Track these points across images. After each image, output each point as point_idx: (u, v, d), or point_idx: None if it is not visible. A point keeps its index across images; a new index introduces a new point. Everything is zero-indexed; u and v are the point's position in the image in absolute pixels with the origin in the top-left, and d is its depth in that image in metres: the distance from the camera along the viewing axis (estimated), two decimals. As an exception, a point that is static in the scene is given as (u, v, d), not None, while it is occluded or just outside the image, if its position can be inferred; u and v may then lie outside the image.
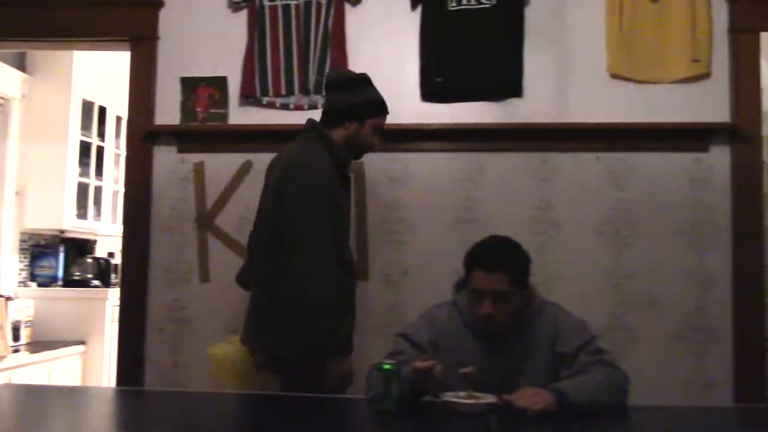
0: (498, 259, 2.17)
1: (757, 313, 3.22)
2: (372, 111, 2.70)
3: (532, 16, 3.36)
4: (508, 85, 3.33)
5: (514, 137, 3.33)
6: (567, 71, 3.35)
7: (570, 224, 3.30)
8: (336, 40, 3.40)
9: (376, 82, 3.36)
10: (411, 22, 3.40)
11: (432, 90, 3.35)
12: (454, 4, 3.34)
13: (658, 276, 3.25)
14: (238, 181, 3.44)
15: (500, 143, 3.33)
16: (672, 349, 3.23)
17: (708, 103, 3.29)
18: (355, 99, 2.68)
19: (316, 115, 3.39)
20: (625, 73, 3.32)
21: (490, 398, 1.96)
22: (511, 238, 2.29)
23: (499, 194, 3.33)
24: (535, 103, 3.33)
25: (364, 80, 2.76)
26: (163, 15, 3.52)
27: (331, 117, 2.70)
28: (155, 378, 3.38)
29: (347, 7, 3.43)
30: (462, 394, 1.99)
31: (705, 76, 3.30)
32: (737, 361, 3.20)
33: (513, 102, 3.34)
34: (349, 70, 2.81)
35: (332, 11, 3.41)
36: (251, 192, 3.41)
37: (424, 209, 3.36)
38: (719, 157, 3.28)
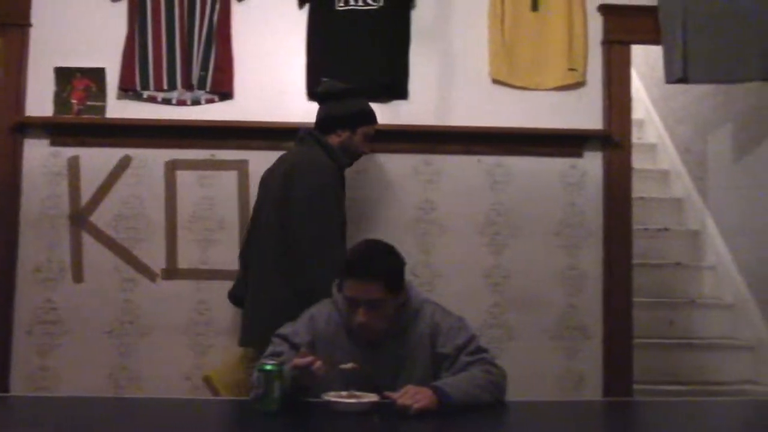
0: (371, 267, 2.14)
1: (625, 310, 3.39)
2: (363, 120, 2.87)
3: (418, 19, 3.41)
4: (394, 87, 3.36)
5: (399, 138, 3.37)
6: (451, 75, 3.42)
7: (453, 225, 3.37)
8: (221, 35, 3.33)
9: (262, 80, 3.32)
10: (298, 20, 3.37)
11: (318, 89, 3.34)
12: (341, 4, 3.34)
13: (534, 276, 3.37)
14: (116, 176, 3.31)
15: (385, 144, 3.35)
16: (546, 346, 3.35)
17: (583, 110, 3.44)
18: (348, 109, 2.86)
19: (198, 111, 3.35)
20: (506, 79, 3.42)
21: (372, 397, 1.97)
22: (384, 243, 2.26)
23: (383, 194, 3.36)
24: (420, 106, 3.38)
25: (355, 91, 2.93)
26: (37, 0, 3.34)
27: (324, 125, 2.86)
28: (22, 383, 3.21)
29: (233, 2, 3.36)
30: (344, 393, 1.99)
31: (580, 84, 3.45)
32: (606, 356, 3.36)
33: (398, 104, 3.38)
34: (341, 82, 2.96)
35: (218, 6, 3.34)
36: (129, 188, 3.31)
37: (309, 208, 3.34)
38: (592, 163, 3.43)
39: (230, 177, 3.34)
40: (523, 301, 3.36)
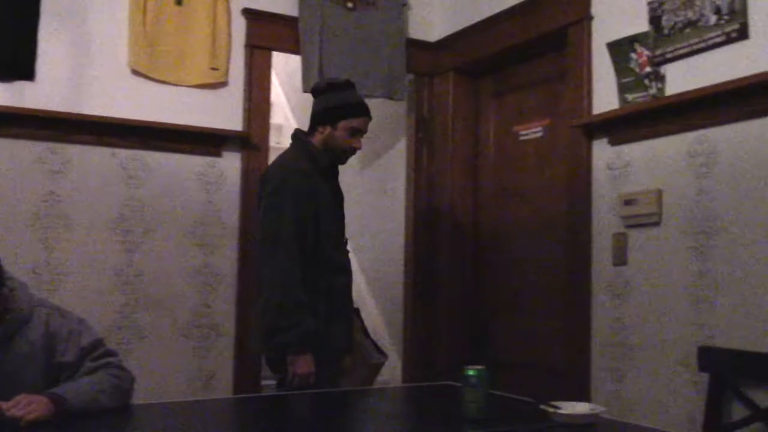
0: None
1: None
2: (344, 113, 2.75)
3: (50, -6, 3.14)
4: (17, 65, 3.06)
5: (21, 123, 3.08)
6: (86, 60, 3.21)
7: (80, 221, 3.17)
8: None
9: None
10: None
11: None
12: (-44, -35, 2.95)
13: (167, 275, 3.32)
14: None
15: (5, 128, 3.05)
16: (178, 345, 3.32)
17: (224, 110, 3.47)
18: (327, 103, 2.76)
19: None
20: (146, 71, 3.31)
21: (-27, 411, 1.74)
22: None
23: (0, 184, 3.03)
24: (49, 89, 3.13)
25: (343, 85, 2.83)
26: None
27: (310, 124, 2.81)
28: None
29: None
30: (-60, 409, 1.73)
31: (222, 84, 3.47)
32: (238, 354, 3.43)
33: (23, 85, 3.09)
34: (335, 78, 2.93)
35: None
36: None
37: None
38: (231, 163, 3.48)
39: None
40: (154, 300, 3.28)
